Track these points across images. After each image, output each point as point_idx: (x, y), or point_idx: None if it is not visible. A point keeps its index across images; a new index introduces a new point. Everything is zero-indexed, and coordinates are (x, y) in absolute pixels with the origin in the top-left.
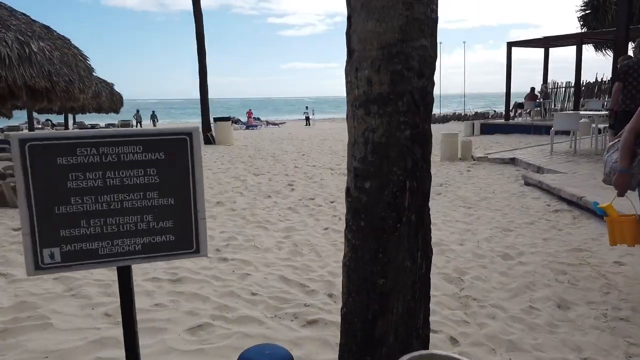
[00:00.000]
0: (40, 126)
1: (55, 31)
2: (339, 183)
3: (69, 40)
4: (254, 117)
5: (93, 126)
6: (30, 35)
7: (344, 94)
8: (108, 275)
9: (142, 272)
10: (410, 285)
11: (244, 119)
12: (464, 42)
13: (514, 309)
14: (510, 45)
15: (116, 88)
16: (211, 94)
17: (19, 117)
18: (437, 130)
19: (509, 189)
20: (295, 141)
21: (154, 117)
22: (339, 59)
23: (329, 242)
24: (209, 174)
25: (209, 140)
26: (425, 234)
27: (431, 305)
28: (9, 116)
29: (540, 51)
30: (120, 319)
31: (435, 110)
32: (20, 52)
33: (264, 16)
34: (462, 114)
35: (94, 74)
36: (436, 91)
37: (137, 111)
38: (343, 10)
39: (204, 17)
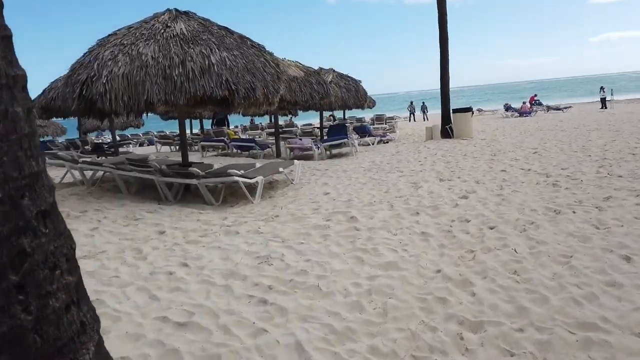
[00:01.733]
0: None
1: (250, 40)
2: (491, 198)
3: (262, 47)
4: (536, 102)
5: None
6: (215, 47)
7: None
8: None
9: None
10: None
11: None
12: None
13: None
14: None
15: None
16: (501, 79)
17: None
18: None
19: None
20: (552, 133)
21: (424, 108)
22: None
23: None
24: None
25: (447, 133)
26: None
27: None
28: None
29: None
30: None
31: None
32: (202, 64)
33: None
34: None
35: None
36: None
37: (411, 102)
38: None
39: None
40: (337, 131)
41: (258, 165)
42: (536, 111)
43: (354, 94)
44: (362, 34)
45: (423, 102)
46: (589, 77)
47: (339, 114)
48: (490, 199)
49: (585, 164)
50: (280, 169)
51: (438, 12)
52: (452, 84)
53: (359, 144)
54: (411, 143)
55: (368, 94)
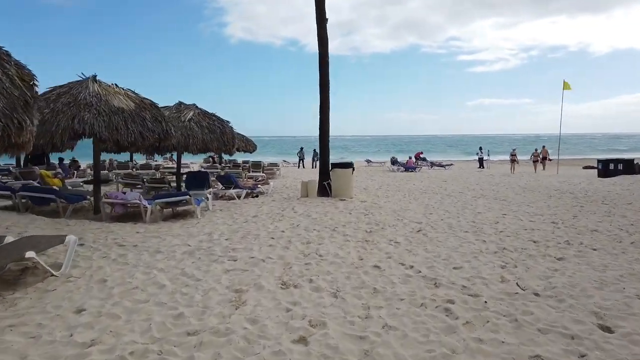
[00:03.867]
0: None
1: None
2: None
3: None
4: (422, 158)
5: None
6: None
7: (536, 132)
8: None
9: None
10: None
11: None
12: None
13: None
14: None
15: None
16: (402, 131)
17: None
18: None
19: None
20: (438, 198)
21: (315, 155)
22: (534, 95)
23: None
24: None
25: (325, 191)
26: None
27: None
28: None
29: None
30: None
31: None
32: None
33: (453, 54)
34: None
35: None
36: None
37: (301, 148)
38: (541, 42)
39: (397, 59)
40: (198, 180)
41: (8, 240)
42: (421, 167)
43: (218, 135)
44: (260, 76)
45: (314, 150)
46: (466, 136)
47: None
48: (345, 346)
49: (482, 260)
50: (29, 254)
51: (319, 56)
52: (346, 132)
53: (222, 197)
54: (283, 199)
55: (246, 136)
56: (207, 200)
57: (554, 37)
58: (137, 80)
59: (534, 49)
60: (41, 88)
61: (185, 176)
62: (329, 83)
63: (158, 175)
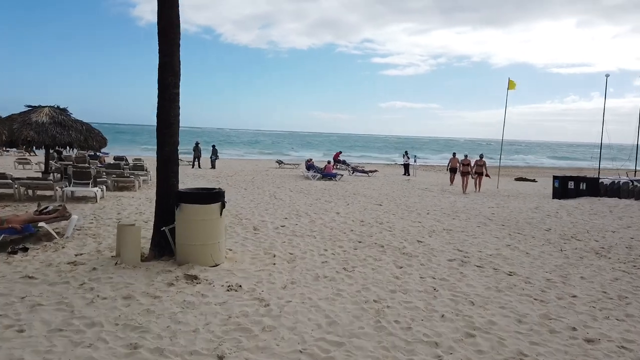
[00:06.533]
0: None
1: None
2: None
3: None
4: (341, 160)
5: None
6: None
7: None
8: None
9: None
10: None
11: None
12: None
13: None
14: None
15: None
16: (318, 128)
17: None
18: None
19: None
20: (385, 254)
21: (215, 154)
22: (440, 100)
23: None
24: None
25: (163, 246)
26: None
27: None
28: None
29: None
30: None
31: None
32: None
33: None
34: None
35: None
36: None
37: (197, 144)
38: (449, 51)
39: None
40: None
41: None
42: (341, 175)
43: None
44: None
45: (213, 146)
46: (380, 136)
47: None
48: None
49: None
50: None
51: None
52: (269, 127)
53: None
54: (59, 277)
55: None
56: None
57: (461, 46)
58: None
59: (442, 57)
60: None
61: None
62: (176, 50)
63: None
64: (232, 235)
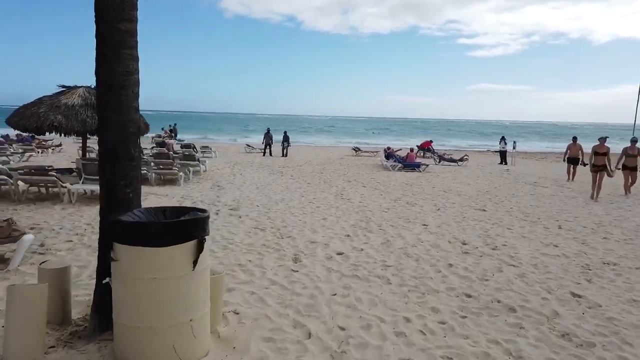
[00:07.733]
0: None
1: None
2: None
3: None
4: (429, 149)
5: None
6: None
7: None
8: None
9: None
10: None
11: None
12: None
13: None
14: None
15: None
16: (397, 114)
17: None
18: None
19: None
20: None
21: (286, 140)
22: (533, 81)
23: None
24: None
25: (101, 319)
26: None
27: None
28: None
29: None
30: None
31: None
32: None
33: (452, 37)
34: None
35: None
36: None
37: (268, 130)
38: (542, 28)
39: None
40: None
41: None
42: (426, 165)
43: None
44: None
45: (285, 133)
46: (470, 121)
47: None
48: None
49: None
50: None
51: None
52: (347, 113)
53: None
54: None
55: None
56: None
57: (556, 22)
58: None
59: (535, 35)
60: None
61: None
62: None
63: None
64: (252, 272)
